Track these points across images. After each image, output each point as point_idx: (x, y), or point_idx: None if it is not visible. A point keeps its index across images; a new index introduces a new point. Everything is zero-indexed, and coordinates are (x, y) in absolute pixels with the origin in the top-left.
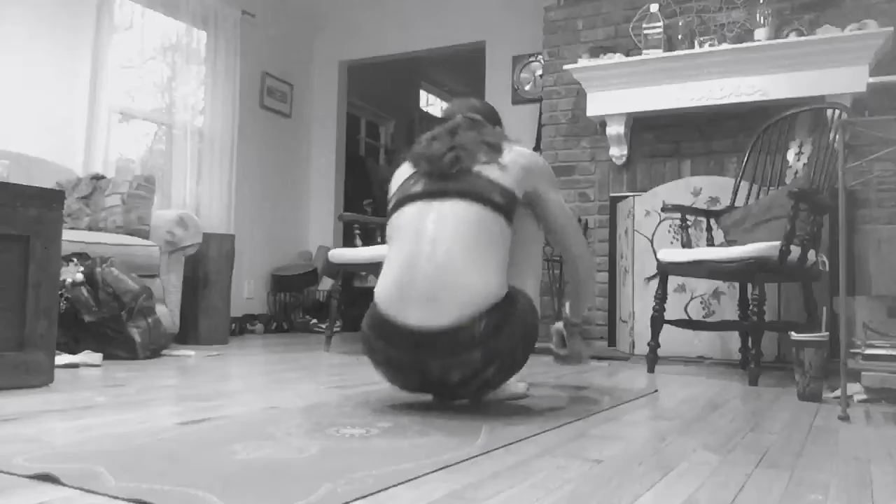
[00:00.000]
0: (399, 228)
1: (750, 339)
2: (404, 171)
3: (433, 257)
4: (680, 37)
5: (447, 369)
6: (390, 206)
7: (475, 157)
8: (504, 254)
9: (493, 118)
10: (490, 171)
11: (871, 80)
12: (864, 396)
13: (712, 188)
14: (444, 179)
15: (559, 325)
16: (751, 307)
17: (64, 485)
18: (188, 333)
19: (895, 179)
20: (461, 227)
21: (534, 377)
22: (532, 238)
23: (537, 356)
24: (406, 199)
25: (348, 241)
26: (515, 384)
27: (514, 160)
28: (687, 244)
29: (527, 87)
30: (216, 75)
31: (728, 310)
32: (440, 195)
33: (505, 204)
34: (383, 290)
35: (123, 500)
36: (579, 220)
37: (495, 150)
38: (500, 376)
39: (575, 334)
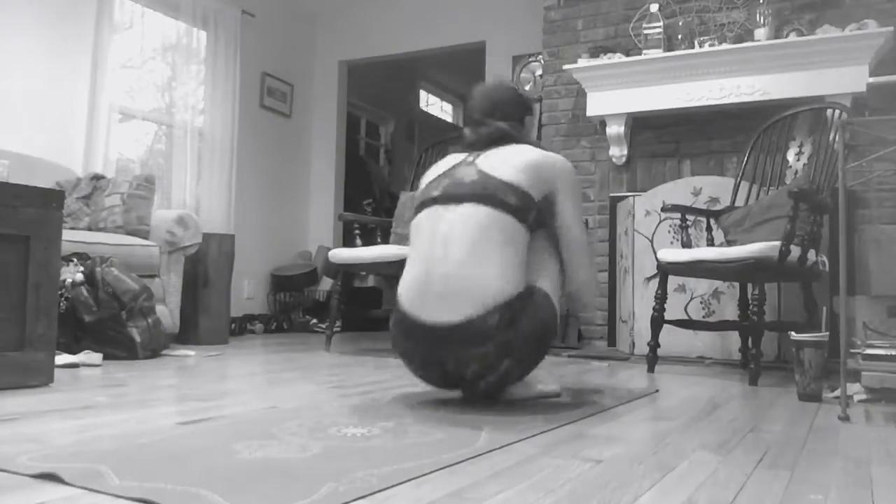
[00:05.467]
0: (418, 230)
1: (750, 339)
2: (431, 175)
3: (447, 258)
4: (680, 37)
5: (462, 363)
6: (415, 206)
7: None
8: (518, 252)
9: (520, 109)
10: (505, 172)
11: (871, 80)
12: (864, 396)
13: (712, 188)
14: (461, 184)
15: None
16: (751, 307)
17: (67, 484)
18: (188, 333)
19: (895, 179)
20: (473, 229)
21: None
22: (554, 236)
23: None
24: (425, 202)
25: (348, 241)
26: (545, 383)
27: (535, 162)
28: (687, 244)
29: (527, 87)
30: (216, 75)
31: (728, 310)
32: (456, 199)
33: (520, 206)
34: (404, 288)
35: (127, 499)
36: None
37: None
38: (516, 372)
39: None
